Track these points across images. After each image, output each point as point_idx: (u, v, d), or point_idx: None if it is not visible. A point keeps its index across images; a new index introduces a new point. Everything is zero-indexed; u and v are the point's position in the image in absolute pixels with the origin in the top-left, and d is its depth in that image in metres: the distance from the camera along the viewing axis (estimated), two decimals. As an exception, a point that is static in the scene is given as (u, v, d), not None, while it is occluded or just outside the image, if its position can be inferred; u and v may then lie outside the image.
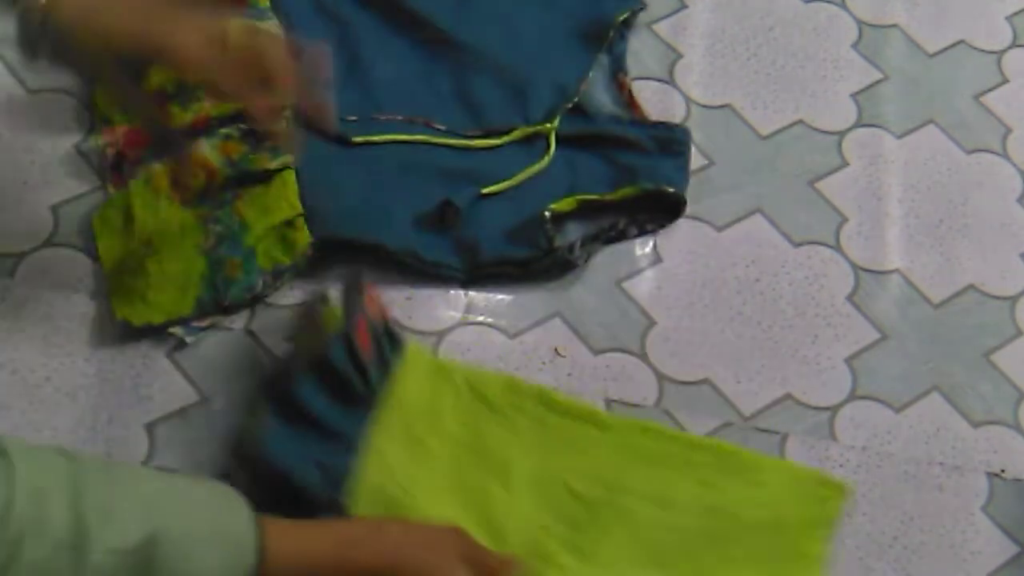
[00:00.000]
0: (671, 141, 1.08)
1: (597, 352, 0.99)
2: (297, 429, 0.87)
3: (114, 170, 1.01)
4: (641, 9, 1.18)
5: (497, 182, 1.04)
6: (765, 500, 0.92)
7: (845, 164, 1.13)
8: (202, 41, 0.84)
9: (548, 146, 1.07)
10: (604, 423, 0.94)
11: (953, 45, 1.23)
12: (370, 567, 0.78)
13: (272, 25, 1.06)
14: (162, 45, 0.83)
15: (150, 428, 0.90)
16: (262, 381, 0.92)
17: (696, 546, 0.89)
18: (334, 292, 0.95)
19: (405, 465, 0.89)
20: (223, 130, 1.01)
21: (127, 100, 0.93)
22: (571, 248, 1.01)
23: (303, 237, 0.97)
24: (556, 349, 0.99)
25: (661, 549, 0.89)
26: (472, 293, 1.01)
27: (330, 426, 0.87)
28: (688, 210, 1.07)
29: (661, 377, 0.98)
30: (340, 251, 0.99)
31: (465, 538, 0.82)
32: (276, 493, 0.84)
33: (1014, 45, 1.23)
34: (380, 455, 0.88)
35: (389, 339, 0.93)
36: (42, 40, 0.84)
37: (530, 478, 0.90)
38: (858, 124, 1.15)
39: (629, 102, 1.12)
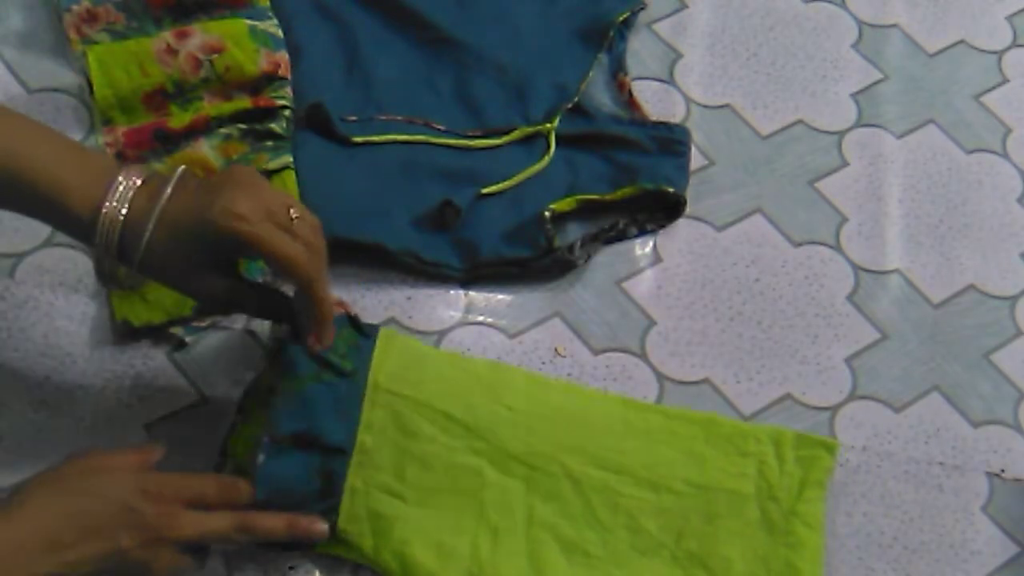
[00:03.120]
0: (671, 141, 1.08)
1: (597, 352, 0.99)
2: (296, 442, 0.86)
3: (114, 170, 1.00)
4: (641, 9, 1.18)
5: (497, 182, 1.04)
6: (754, 468, 0.92)
7: (845, 164, 1.13)
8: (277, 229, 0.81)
9: (548, 146, 1.07)
10: (589, 397, 0.94)
11: (953, 45, 1.23)
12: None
13: (271, 25, 1.06)
14: (252, 238, 0.79)
15: (150, 428, 0.90)
16: (251, 388, 0.91)
17: (692, 526, 0.89)
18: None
19: (393, 459, 0.88)
20: (223, 130, 1.01)
21: (229, 302, 0.86)
22: (571, 248, 1.01)
23: (303, 237, 0.97)
24: (556, 349, 0.99)
25: (657, 535, 0.89)
26: (472, 293, 1.01)
27: (330, 435, 0.87)
28: (688, 210, 1.07)
29: (661, 377, 0.98)
30: (340, 251, 0.99)
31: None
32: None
33: (1014, 45, 1.23)
34: (366, 454, 0.87)
35: (357, 331, 0.91)
36: (118, 262, 0.81)
37: (523, 459, 0.90)
38: (858, 124, 1.15)
39: (629, 102, 1.12)
